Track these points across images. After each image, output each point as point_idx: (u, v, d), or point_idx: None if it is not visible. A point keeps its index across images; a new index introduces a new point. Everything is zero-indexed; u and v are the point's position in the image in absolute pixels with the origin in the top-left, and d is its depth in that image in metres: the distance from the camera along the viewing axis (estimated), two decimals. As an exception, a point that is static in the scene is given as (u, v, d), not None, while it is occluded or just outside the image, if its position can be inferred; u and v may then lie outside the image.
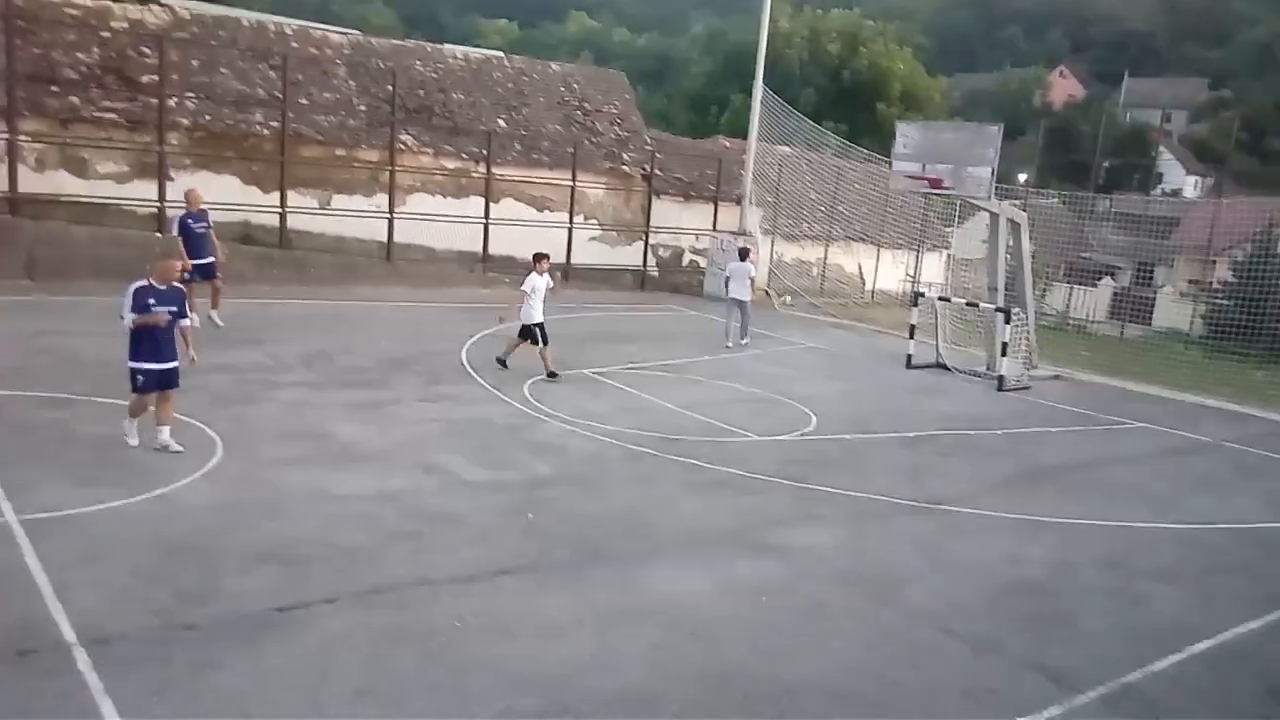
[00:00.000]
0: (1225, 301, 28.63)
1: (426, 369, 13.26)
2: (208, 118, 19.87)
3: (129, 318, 8.47)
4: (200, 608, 5.92)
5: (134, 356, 8.59)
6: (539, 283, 13.48)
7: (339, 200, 21.10)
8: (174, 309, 8.64)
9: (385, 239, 21.26)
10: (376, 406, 11.08)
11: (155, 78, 18.91)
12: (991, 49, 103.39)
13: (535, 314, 13.33)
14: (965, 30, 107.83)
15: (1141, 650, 6.63)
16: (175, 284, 8.77)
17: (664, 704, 5.38)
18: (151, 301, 8.47)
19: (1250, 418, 15.97)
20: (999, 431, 13.06)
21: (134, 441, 8.70)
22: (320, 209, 20.85)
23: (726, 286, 18.36)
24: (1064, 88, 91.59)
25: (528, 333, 13.38)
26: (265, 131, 20.28)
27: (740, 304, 18.00)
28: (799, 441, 11.51)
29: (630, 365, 14.92)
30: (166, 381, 8.69)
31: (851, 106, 51.53)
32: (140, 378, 8.56)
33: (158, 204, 18.58)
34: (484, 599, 6.45)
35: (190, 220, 14.25)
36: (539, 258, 14.00)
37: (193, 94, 19.87)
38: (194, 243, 14.05)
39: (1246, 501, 10.75)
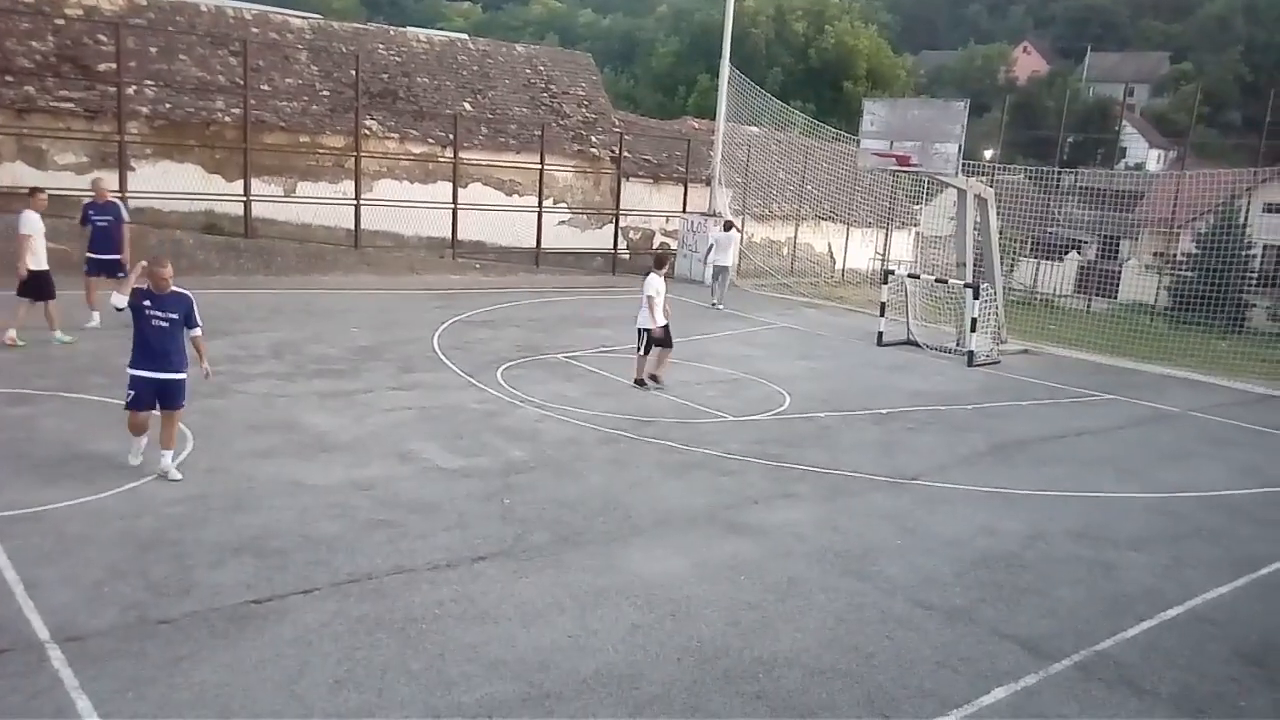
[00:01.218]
0: (1189, 273, 28.99)
1: (398, 357, 13.17)
2: (168, 106, 19.57)
3: (117, 298, 7.92)
4: (174, 602, 5.87)
5: (131, 361, 7.91)
6: (661, 285, 12.76)
7: (304, 187, 20.88)
8: (174, 316, 7.93)
9: (352, 226, 21.06)
10: (348, 396, 11.00)
11: (113, 66, 18.59)
12: (955, 26, 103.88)
13: (656, 317, 12.55)
14: (929, 8, 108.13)
15: (1114, 618, 6.74)
16: (177, 290, 7.99)
17: (644, 684, 5.41)
18: (147, 304, 7.81)
19: (1215, 387, 16.23)
20: (970, 406, 13.19)
21: (135, 460, 8.02)
22: (285, 197, 20.62)
23: (708, 255, 21.31)
24: (1028, 64, 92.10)
25: (657, 338, 12.62)
26: (227, 119, 20.01)
27: (723, 269, 20.64)
28: (773, 421, 11.56)
29: (603, 348, 14.91)
30: (166, 396, 7.91)
31: (818, 85, 51.62)
32: (133, 390, 7.83)
33: (119, 195, 18.26)
34: (462, 585, 6.43)
35: (92, 211, 13.25)
36: (661, 259, 13.37)
37: (151, 82, 19.57)
38: (95, 236, 13.18)
39: (1213, 469, 10.93)
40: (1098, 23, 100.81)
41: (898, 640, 6.17)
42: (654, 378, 12.57)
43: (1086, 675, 5.93)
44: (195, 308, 8.11)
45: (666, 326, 12.60)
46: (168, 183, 19.05)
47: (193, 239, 18.68)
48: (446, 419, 10.39)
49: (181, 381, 8.02)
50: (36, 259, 11.98)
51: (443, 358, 13.35)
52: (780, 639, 6.06)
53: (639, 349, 12.67)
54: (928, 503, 8.96)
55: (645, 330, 12.55)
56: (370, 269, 20.39)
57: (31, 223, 12.06)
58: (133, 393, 7.86)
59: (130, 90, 18.94)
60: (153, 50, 20.07)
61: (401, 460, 8.92)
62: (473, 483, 8.44)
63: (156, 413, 7.96)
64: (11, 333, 11.72)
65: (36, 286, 12.00)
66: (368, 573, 6.50)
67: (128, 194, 18.18)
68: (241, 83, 19.89)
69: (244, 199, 19.74)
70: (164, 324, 7.91)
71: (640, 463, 9.47)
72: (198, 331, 8.20)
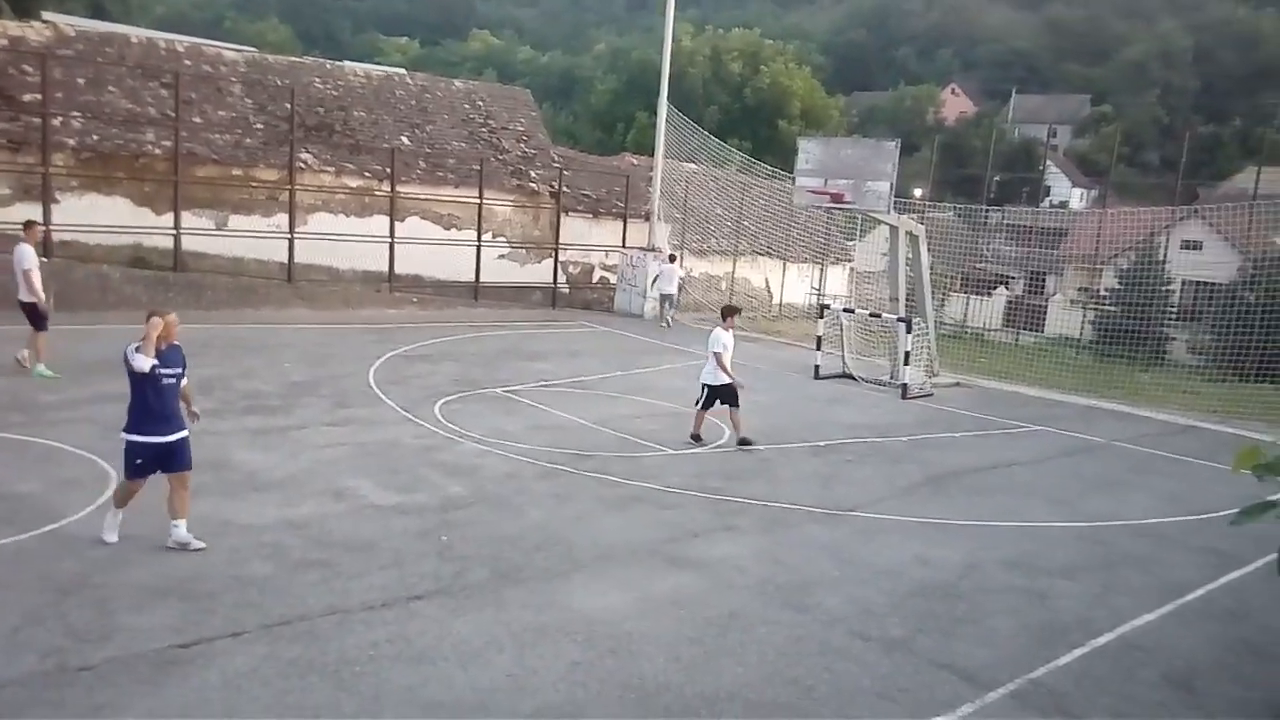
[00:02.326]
0: (1112, 308, 29.94)
1: (333, 392, 12.95)
2: (95, 138, 19.15)
3: (140, 360, 7.03)
4: (96, 648, 5.65)
5: (133, 425, 7.11)
6: (729, 340, 12.23)
7: (236, 220, 20.54)
8: (179, 370, 7.34)
9: (286, 260, 20.75)
10: (280, 432, 10.76)
11: (38, 96, 18.16)
12: (886, 68, 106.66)
13: (722, 375, 12.01)
14: (860, 50, 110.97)
15: (1048, 646, 6.85)
16: (175, 342, 7.44)
17: (585, 723, 5.33)
18: (155, 363, 7.11)
19: (1140, 418, 16.70)
20: (905, 438, 13.38)
21: (112, 538, 7.16)
22: (217, 230, 20.26)
23: (653, 283, 23.86)
24: (955, 105, 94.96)
25: (723, 394, 12.06)
26: (157, 151, 19.64)
27: (668, 296, 23.25)
28: (713, 454, 11.59)
29: (543, 382, 14.84)
30: (174, 460, 7.21)
31: (754, 124, 52.53)
32: (139, 458, 7.08)
33: (42, 227, 17.73)
34: (398, 625, 6.30)
35: None
36: (729, 312, 12.82)
37: (79, 113, 19.15)
38: None
39: (1139, 498, 11.22)
40: (1021, 66, 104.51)
41: (837, 672, 6.19)
42: (745, 440, 12.00)
43: (1022, 704, 6.00)
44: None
45: (733, 384, 12.04)
46: (95, 216, 18.60)
47: (120, 273, 18.23)
48: (382, 455, 10.23)
49: (188, 439, 7.38)
50: (33, 291, 12.29)
51: (379, 393, 13.16)
52: (722, 674, 6.03)
53: (699, 403, 12.16)
54: (865, 534, 9.04)
55: (709, 386, 12.03)
56: (304, 303, 20.07)
57: (29, 256, 12.42)
58: (139, 461, 7.11)
59: (56, 121, 18.50)
60: (80, 81, 19.66)
61: (336, 498, 8.74)
62: (409, 520, 8.29)
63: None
64: (40, 365, 12.23)
65: (32, 318, 12.36)
66: (300, 614, 6.33)
67: (52, 227, 17.71)
68: (173, 115, 19.56)
69: (174, 232, 19.34)
70: (171, 380, 7.27)
71: (581, 497, 9.40)
72: (186, 381, 7.54)
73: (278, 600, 6.50)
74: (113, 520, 7.27)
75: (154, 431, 7.14)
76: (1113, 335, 26.32)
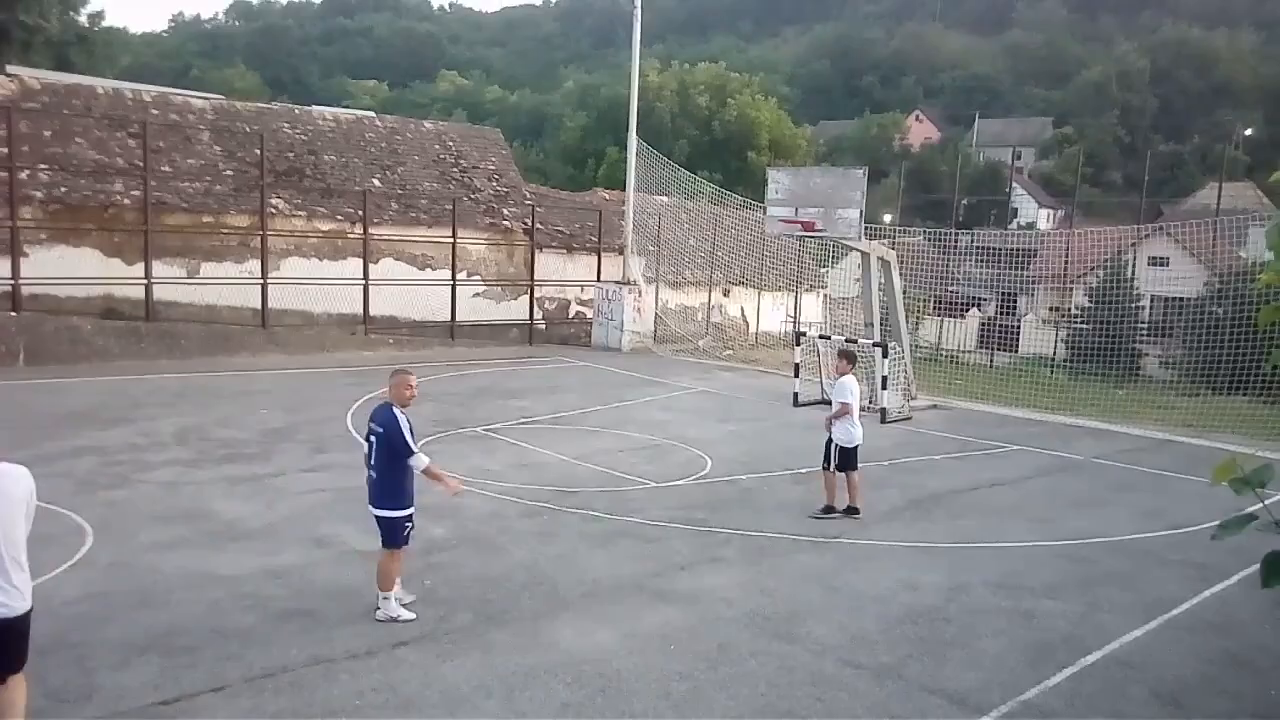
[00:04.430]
0: (1084, 326, 30.28)
1: (310, 437, 12.84)
2: (63, 189, 19.07)
3: (420, 458, 6.98)
4: (75, 708, 5.54)
5: (401, 499, 7.03)
6: (857, 388, 10.55)
7: (208, 268, 20.45)
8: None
9: (260, 305, 20.63)
10: (259, 480, 10.65)
11: (4, 150, 18.05)
12: (851, 97, 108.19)
13: (856, 431, 10.39)
14: (825, 80, 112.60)
15: (1037, 667, 6.85)
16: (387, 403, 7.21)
17: (577, 765, 5.27)
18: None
19: (1116, 434, 16.84)
20: (885, 462, 13.41)
21: (412, 616, 7.07)
22: (189, 278, 20.15)
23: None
24: (920, 131, 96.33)
25: (843, 457, 10.34)
26: (126, 201, 19.57)
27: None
28: (695, 485, 11.57)
29: (522, 420, 14.79)
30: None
31: (723, 156, 53.05)
32: (410, 525, 7.10)
33: (10, 282, 17.59)
34: (383, 673, 6.21)
35: None
36: (846, 356, 10.94)
37: (46, 165, 19.05)
38: None
39: (1118, 515, 11.28)
40: (983, 91, 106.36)
41: (829, 702, 6.15)
42: (853, 509, 10.38)
43: (1015, 726, 5.98)
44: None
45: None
46: (64, 268, 18.45)
47: (91, 325, 18.07)
48: (363, 500, 10.09)
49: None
50: None
51: (357, 436, 13.04)
52: (713, 708, 5.99)
53: (827, 466, 10.49)
54: (851, 560, 9.03)
55: (842, 447, 10.34)
56: (279, 348, 19.95)
57: None
58: (410, 526, 7.18)
59: (24, 175, 18.39)
60: (47, 134, 19.60)
61: (317, 545, 8.64)
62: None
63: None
64: None
65: None
66: (283, 665, 6.23)
67: (21, 280, 17.55)
68: (141, 164, 19.50)
69: (145, 282, 19.21)
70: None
71: (565, 534, 9.35)
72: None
73: (260, 652, 6.40)
74: (403, 596, 7.23)
75: (411, 499, 7.19)
76: (1086, 353, 26.59)
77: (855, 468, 10.44)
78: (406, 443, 6.90)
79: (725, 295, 30.05)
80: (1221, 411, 18.59)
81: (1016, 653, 7.10)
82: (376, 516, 7.08)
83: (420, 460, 7.00)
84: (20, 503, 4.79)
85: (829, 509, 10.35)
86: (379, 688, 6.01)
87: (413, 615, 7.09)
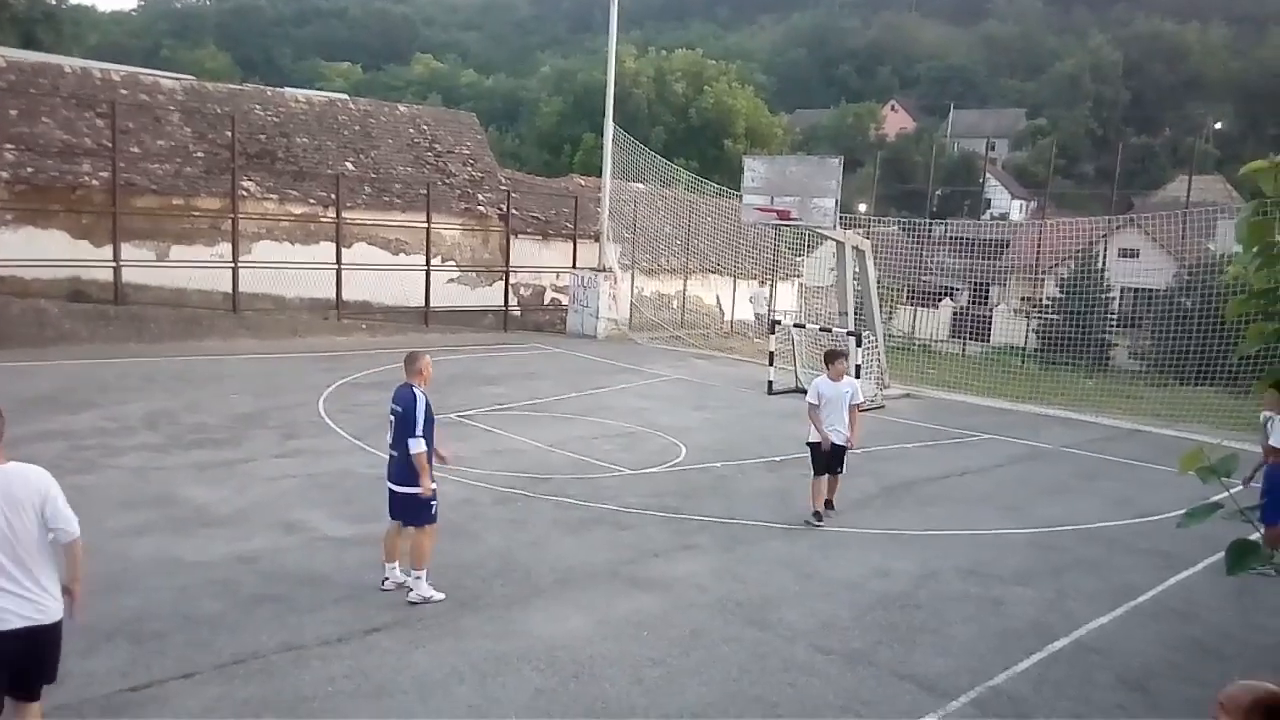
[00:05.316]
0: (1054, 316, 30.58)
1: (282, 423, 12.74)
2: (30, 170, 18.74)
3: (418, 443, 7.00)
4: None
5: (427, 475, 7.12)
6: (829, 391, 10.01)
7: (178, 251, 20.20)
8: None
9: (230, 290, 20.42)
10: (229, 466, 10.56)
11: (-32, 129, 17.75)
12: (827, 86, 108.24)
13: (814, 433, 9.94)
14: (801, 69, 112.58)
15: (1005, 653, 6.92)
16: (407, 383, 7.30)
17: (549, 750, 5.27)
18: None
19: (1085, 424, 17.03)
20: (858, 451, 13.44)
21: (442, 596, 7.17)
22: (158, 261, 19.89)
23: None
24: (896, 121, 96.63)
25: (828, 458, 9.91)
26: (94, 182, 19.27)
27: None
28: (669, 473, 11.59)
29: (496, 406, 14.75)
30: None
31: (700, 143, 52.95)
32: (435, 501, 7.22)
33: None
34: (355, 659, 6.19)
35: None
36: (832, 357, 10.46)
37: (12, 145, 18.72)
38: None
39: (1088, 503, 11.42)
40: (958, 81, 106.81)
41: (800, 688, 6.19)
42: (829, 504, 10.08)
43: (982, 711, 6.05)
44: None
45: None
46: (31, 249, 18.16)
47: (58, 308, 17.81)
48: (334, 485, 10.07)
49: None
50: None
51: (329, 422, 12.98)
52: (686, 694, 6.01)
53: (840, 469, 10.13)
54: (823, 548, 9.08)
55: (843, 446, 9.99)
56: (250, 333, 19.76)
57: None
58: (436, 502, 7.26)
59: (-12, 154, 18.09)
60: (13, 113, 19.25)
61: (287, 531, 8.58)
62: (364, 551, 8.14)
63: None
64: None
65: None
66: (254, 652, 6.19)
67: (-14, 261, 17.27)
68: (109, 145, 19.20)
69: (113, 264, 18.95)
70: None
71: (538, 521, 9.34)
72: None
73: (230, 638, 6.35)
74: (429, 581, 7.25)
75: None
76: (1056, 343, 26.88)
77: (829, 472, 10.04)
78: (414, 422, 7.01)
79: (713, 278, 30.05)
80: (1189, 402, 18.85)
81: (986, 639, 7.17)
82: (401, 495, 7.17)
83: (418, 444, 7.02)
84: (27, 506, 4.47)
85: (823, 510, 9.90)
86: (351, 674, 5.98)
87: (442, 596, 7.16)
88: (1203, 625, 7.78)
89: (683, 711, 5.78)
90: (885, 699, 6.11)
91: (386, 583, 7.27)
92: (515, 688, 5.95)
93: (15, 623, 4.40)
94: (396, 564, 7.31)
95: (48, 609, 4.53)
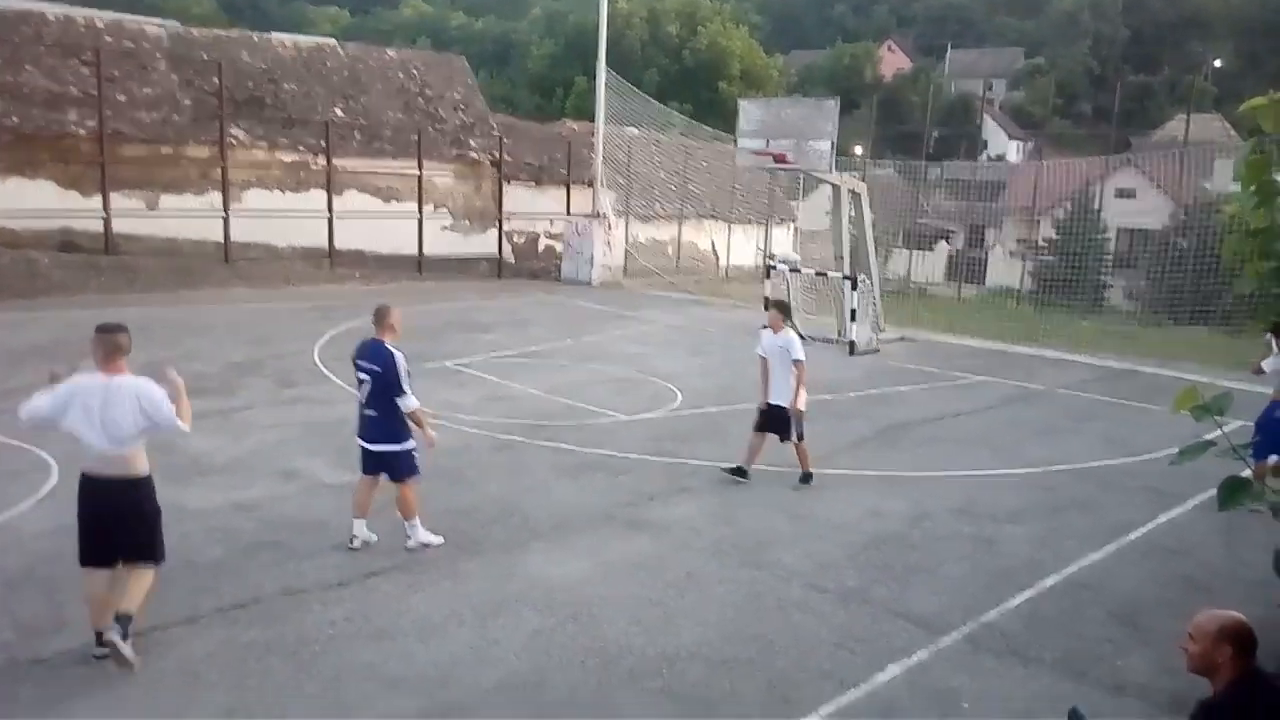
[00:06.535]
0: (1050, 258, 30.53)
1: (277, 371, 12.74)
2: (15, 119, 18.49)
3: (410, 400, 6.92)
4: (46, 641, 5.54)
5: (402, 433, 7.03)
6: (768, 342, 9.38)
7: (168, 200, 20.01)
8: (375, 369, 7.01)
9: (222, 239, 20.28)
10: (225, 415, 10.58)
11: (-50, 78, 17.47)
12: (823, 26, 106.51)
13: (773, 393, 9.22)
14: (797, 8, 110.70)
15: (997, 590, 7.02)
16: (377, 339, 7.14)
17: (549, 689, 5.37)
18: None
19: (1079, 364, 17.08)
20: (853, 394, 13.54)
21: (441, 540, 7.20)
22: (148, 211, 19.72)
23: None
24: (892, 61, 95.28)
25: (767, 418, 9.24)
26: (81, 131, 19.02)
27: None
28: (666, 418, 11.64)
29: (492, 354, 14.75)
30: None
31: (694, 86, 52.28)
32: (415, 453, 7.12)
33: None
34: (355, 603, 6.26)
35: None
36: (782, 308, 9.81)
37: (-5, 94, 18.45)
38: None
39: (1080, 442, 11.50)
40: (955, 20, 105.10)
41: (795, 625, 6.29)
42: (805, 477, 9.25)
43: (975, 647, 6.15)
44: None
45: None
46: (20, 200, 18.00)
47: (48, 258, 17.71)
48: (331, 433, 10.09)
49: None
50: None
51: (325, 370, 12.98)
52: (682, 633, 6.10)
53: (801, 437, 9.28)
54: (817, 490, 9.15)
55: (781, 407, 9.16)
56: (243, 282, 19.67)
57: None
58: (416, 455, 7.21)
59: (-29, 103, 17.83)
60: (-4, 61, 18.94)
61: (285, 478, 8.63)
62: (363, 497, 8.21)
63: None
64: None
65: None
66: (255, 596, 6.26)
67: (-27, 213, 17.12)
68: (95, 93, 18.92)
69: (103, 215, 18.80)
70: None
71: (535, 467, 9.39)
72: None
73: (232, 584, 6.42)
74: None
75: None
76: (1052, 285, 26.86)
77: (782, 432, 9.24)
78: (399, 382, 6.86)
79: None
80: (1183, 341, 18.90)
81: (978, 576, 7.27)
82: (378, 453, 7.05)
83: (410, 402, 6.93)
84: (125, 408, 5.90)
85: (742, 469, 9.19)
86: (351, 617, 6.06)
87: (441, 539, 7.21)
88: (1193, 561, 7.88)
89: (679, 651, 5.86)
90: (879, 635, 6.21)
91: (355, 541, 7.09)
92: (514, 628, 6.03)
93: None
94: (365, 521, 7.17)
95: (139, 460, 5.97)
